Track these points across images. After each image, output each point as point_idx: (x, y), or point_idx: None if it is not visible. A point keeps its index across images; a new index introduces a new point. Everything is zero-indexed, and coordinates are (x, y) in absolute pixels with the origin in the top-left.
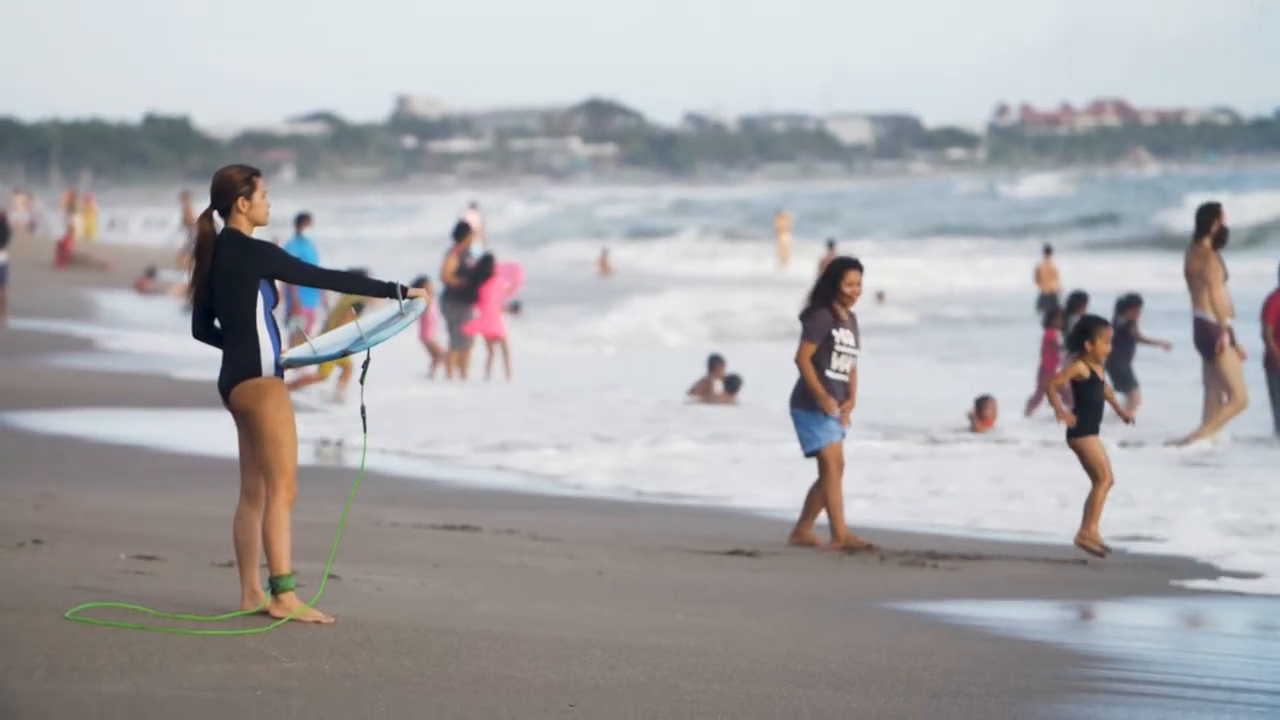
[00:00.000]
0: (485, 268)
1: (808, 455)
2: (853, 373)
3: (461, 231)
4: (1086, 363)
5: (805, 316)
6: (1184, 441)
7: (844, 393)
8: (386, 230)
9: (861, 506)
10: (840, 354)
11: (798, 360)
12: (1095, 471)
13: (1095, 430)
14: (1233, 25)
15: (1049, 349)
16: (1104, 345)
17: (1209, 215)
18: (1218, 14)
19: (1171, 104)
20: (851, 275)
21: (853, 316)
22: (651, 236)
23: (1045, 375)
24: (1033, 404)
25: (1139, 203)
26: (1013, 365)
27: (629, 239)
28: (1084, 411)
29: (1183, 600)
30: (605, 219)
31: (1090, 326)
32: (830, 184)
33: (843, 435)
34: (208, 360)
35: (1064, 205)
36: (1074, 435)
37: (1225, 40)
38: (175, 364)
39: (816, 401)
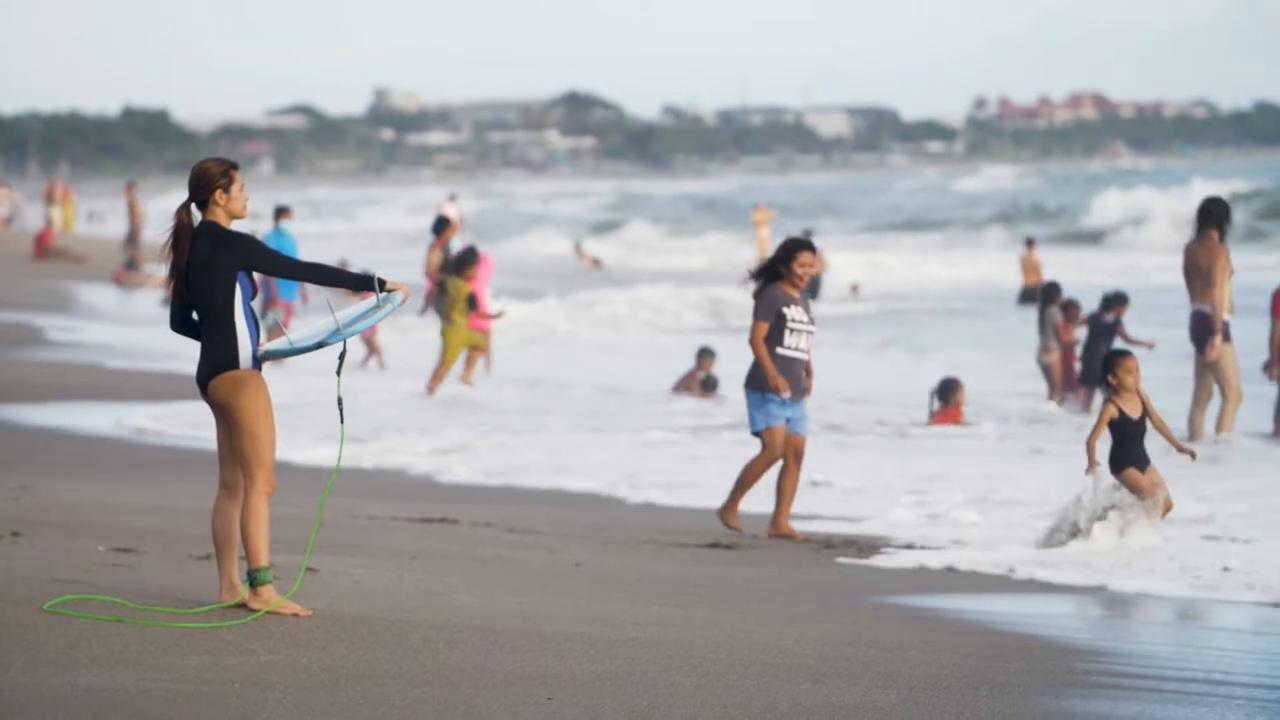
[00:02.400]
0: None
1: (754, 434)
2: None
3: (441, 226)
4: (1116, 401)
5: (757, 295)
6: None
7: (800, 371)
8: (353, 223)
9: (839, 496)
10: (793, 331)
11: (751, 340)
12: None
13: (1134, 462)
14: (1211, 18)
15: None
16: (1126, 376)
17: (1220, 207)
18: (1196, 7)
19: (1149, 97)
20: (804, 256)
21: (804, 295)
22: (598, 231)
23: (1069, 362)
24: (1082, 393)
25: (1074, 197)
26: (986, 355)
27: (585, 233)
28: (1117, 448)
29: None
30: (554, 214)
31: (1110, 361)
32: (807, 177)
33: (786, 420)
34: (186, 353)
35: (1002, 200)
36: (1115, 470)
37: (1203, 33)
38: (154, 356)
39: (765, 383)
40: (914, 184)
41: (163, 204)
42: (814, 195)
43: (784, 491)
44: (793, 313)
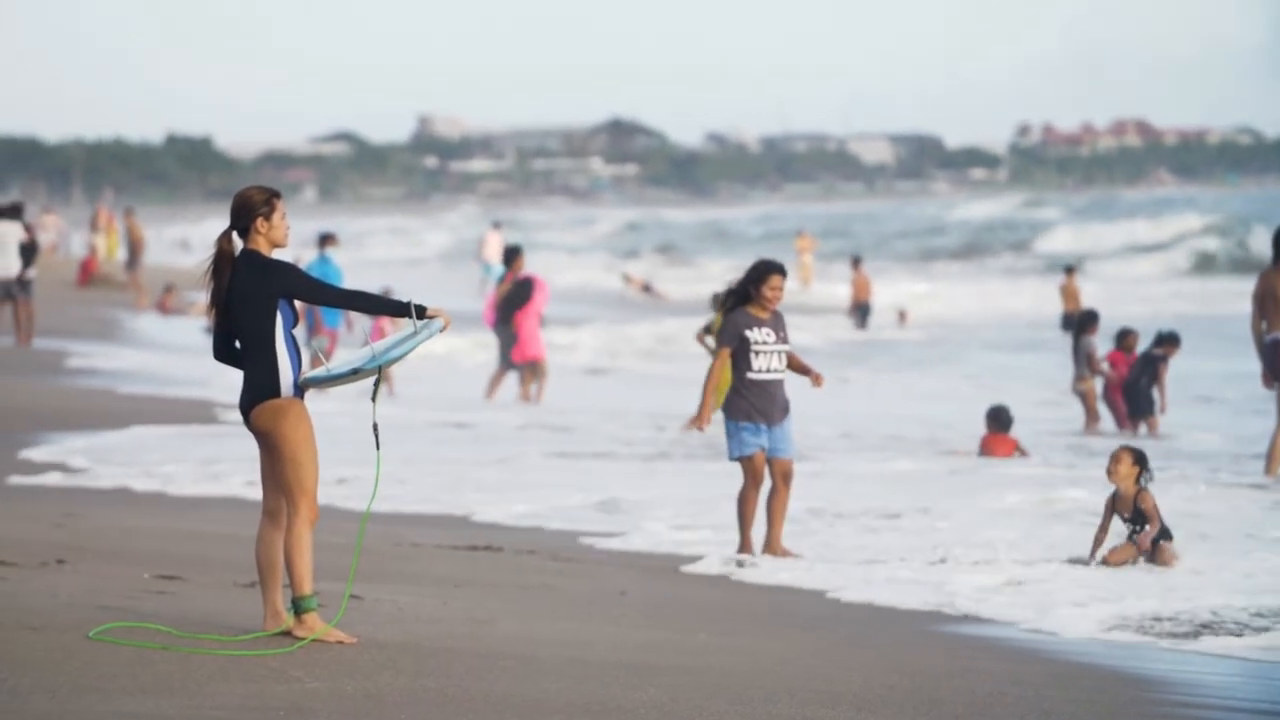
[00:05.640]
0: (523, 292)
1: (732, 460)
2: (793, 357)
3: (511, 257)
4: (1113, 495)
5: (724, 318)
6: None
7: (774, 392)
8: (388, 251)
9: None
10: (759, 354)
11: (710, 366)
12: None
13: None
14: (1255, 45)
15: (1115, 368)
16: (1113, 467)
17: None
18: (1240, 34)
19: (1193, 124)
20: (774, 279)
21: (777, 315)
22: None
23: (1113, 392)
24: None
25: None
26: (1045, 385)
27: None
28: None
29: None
30: (560, 242)
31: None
32: (850, 205)
33: (759, 448)
34: (228, 381)
35: (969, 229)
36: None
37: (1247, 60)
38: (200, 384)
39: (737, 411)
40: (918, 211)
41: (204, 231)
42: (825, 223)
43: (773, 513)
44: (757, 335)
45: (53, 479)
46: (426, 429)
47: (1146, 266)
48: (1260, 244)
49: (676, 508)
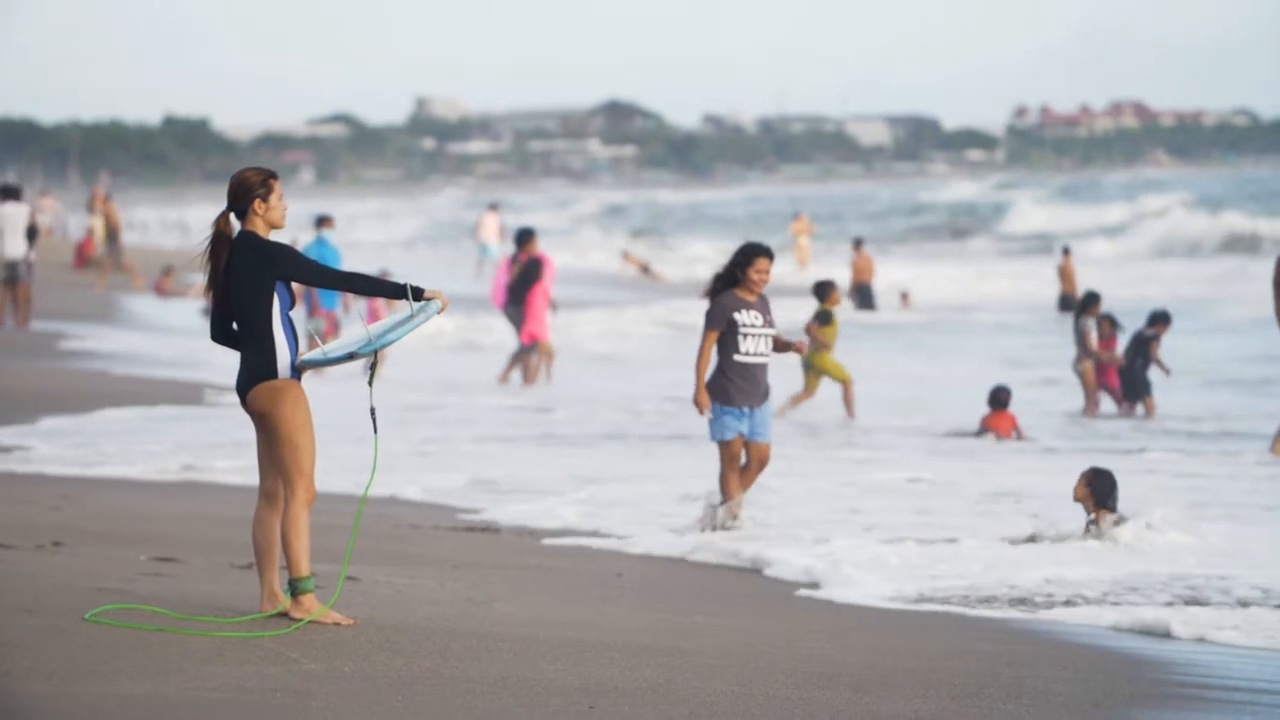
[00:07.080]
0: (532, 271)
1: (712, 442)
2: (777, 338)
3: (524, 238)
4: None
5: (711, 302)
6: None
7: (759, 376)
8: (370, 234)
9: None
10: (747, 336)
11: (699, 349)
12: None
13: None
14: (1251, 26)
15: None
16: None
17: None
18: (1236, 15)
19: (1190, 105)
20: (761, 262)
21: (763, 298)
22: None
23: (1105, 374)
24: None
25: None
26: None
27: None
28: None
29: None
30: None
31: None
32: (847, 186)
33: (738, 433)
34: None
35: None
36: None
37: (1244, 41)
38: (195, 366)
39: (720, 393)
40: (892, 194)
41: (201, 213)
42: (812, 205)
43: (741, 484)
44: (745, 318)
45: (52, 464)
46: (387, 410)
47: (1108, 248)
48: (1200, 227)
49: (575, 487)
